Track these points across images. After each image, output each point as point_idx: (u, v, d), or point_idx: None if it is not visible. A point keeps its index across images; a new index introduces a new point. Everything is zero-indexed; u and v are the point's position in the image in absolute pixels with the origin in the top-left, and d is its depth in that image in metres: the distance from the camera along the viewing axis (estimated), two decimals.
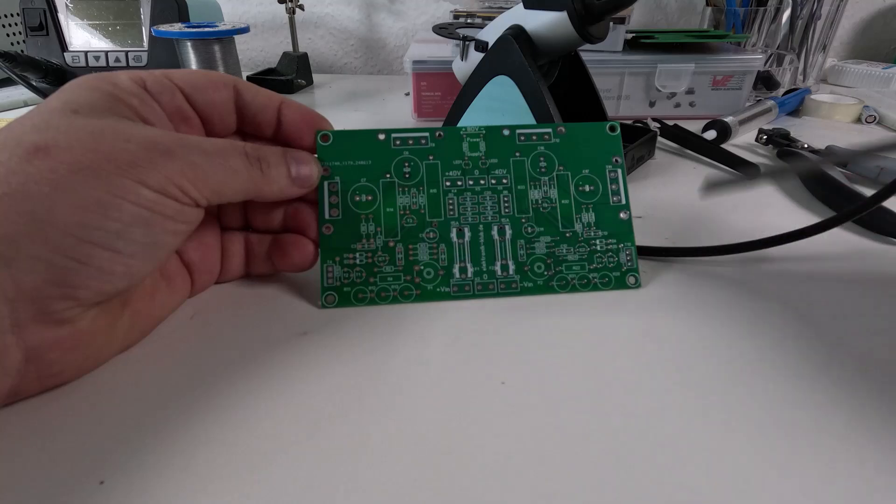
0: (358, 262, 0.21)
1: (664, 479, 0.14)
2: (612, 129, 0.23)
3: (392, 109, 0.53)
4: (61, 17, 0.51)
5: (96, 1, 0.51)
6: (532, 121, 0.35)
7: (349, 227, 0.21)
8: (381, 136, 0.22)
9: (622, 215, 0.22)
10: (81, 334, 0.16)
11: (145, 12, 0.51)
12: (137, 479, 0.14)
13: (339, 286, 0.21)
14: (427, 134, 0.23)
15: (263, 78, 0.60)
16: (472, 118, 0.39)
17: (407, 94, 0.56)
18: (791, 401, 0.17)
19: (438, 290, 0.21)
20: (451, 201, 0.22)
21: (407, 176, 0.22)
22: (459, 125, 0.40)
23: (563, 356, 0.19)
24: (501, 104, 0.36)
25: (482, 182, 0.22)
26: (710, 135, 0.41)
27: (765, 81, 0.53)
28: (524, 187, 0.22)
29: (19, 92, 0.53)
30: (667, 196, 0.32)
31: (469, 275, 0.21)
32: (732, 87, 0.48)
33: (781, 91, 0.52)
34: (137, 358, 0.18)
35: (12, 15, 0.58)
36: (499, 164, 0.22)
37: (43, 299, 0.15)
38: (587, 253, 0.22)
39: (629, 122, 0.40)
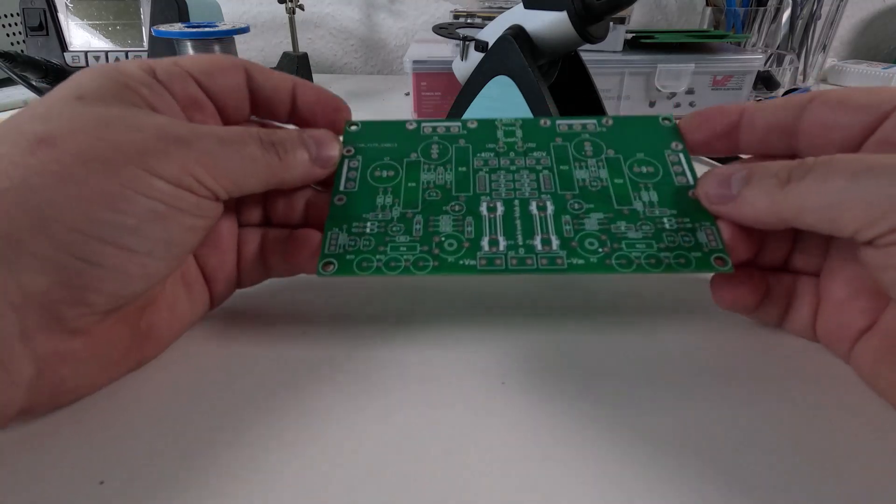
0: (368, 231, 0.18)
1: (667, 479, 0.14)
2: (667, 120, 0.21)
3: (392, 109, 0.53)
4: (61, 17, 0.51)
5: (96, 1, 0.51)
6: None
7: (364, 198, 0.19)
8: (411, 126, 0.21)
9: (692, 195, 0.19)
10: (97, 345, 0.15)
11: (145, 12, 0.51)
12: (137, 479, 0.14)
13: (341, 254, 0.18)
14: (459, 123, 0.21)
15: None
16: (473, 118, 0.39)
17: (407, 94, 0.56)
18: (797, 399, 0.17)
19: (461, 262, 0.17)
20: (482, 178, 0.19)
21: (434, 157, 0.20)
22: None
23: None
24: (501, 104, 0.36)
25: (518, 162, 0.20)
26: None
27: (765, 81, 0.53)
28: (568, 167, 0.20)
29: (19, 92, 0.53)
30: None
31: (501, 248, 0.17)
32: (732, 87, 0.48)
33: (781, 91, 0.52)
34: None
35: (12, 15, 0.58)
36: (537, 148, 0.20)
37: (52, 304, 0.13)
38: (653, 231, 0.18)
39: None
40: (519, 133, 0.21)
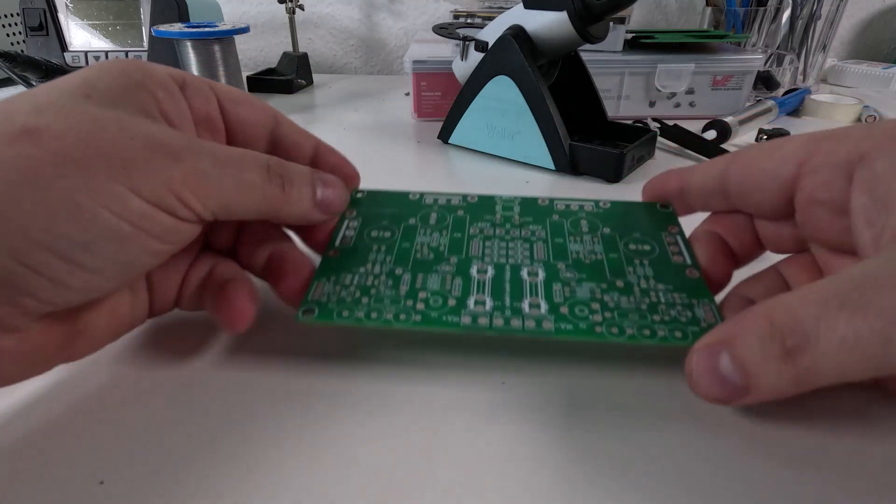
0: (355, 283, 0.18)
1: (668, 482, 0.14)
2: (664, 206, 0.21)
3: (392, 109, 0.53)
4: (61, 17, 0.51)
5: (96, 1, 0.51)
6: (532, 121, 0.35)
7: (357, 254, 0.19)
8: (414, 196, 0.22)
9: (690, 273, 0.18)
10: (30, 343, 0.14)
11: (145, 12, 0.51)
12: (137, 479, 0.14)
13: (324, 301, 0.17)
14: (460, 196, 0.22)
15: (263, 78, 0.60)
16: (473, 118, 0.39)
17: (407, 94, 0.56)
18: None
19: (444, 318, 0.16)
20: (476, 244, 0.20)
21: (432, 223, 0.21)
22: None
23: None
24: (501, 104, 0.36)
25: (513, 233, 0.20)
26: (710, 135, 0.41)
27: (765, 81, 0.53)
28: (562, 240, 0.20)
29: (19, 92, 0.53)
30: None
31: (487, 308, 0.17)
32: (732, 87, 0.48)
33: (781, 91, 0.52)
34: (136, 358, 0.18)
35: (12, 15, 0.58)
36: (534, 222, 0.21)
37: None
38: (648, 303, 0.17)
39: (629, 122, 0.40)
40: (517, 209, 0.21)
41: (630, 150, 0.34)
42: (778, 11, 0.54)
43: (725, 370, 0.13)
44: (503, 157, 0.38)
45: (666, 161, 0.38)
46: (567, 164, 0.35)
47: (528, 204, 0.22)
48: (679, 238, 0.20)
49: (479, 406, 0.16)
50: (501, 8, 0.53)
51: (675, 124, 0.41)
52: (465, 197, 0.22)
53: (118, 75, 0.16)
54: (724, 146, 0.39)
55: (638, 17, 0.72)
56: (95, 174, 0.13)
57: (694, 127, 0.41)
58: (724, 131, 0.41)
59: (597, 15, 0.32)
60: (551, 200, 0.22)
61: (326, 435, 0.15)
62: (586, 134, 0.38)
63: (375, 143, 0.43)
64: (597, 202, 0.22)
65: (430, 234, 0.20)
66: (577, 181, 0.35)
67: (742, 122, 0.42)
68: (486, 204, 0.22)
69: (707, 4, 0.59)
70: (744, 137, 0.42)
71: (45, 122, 0.13)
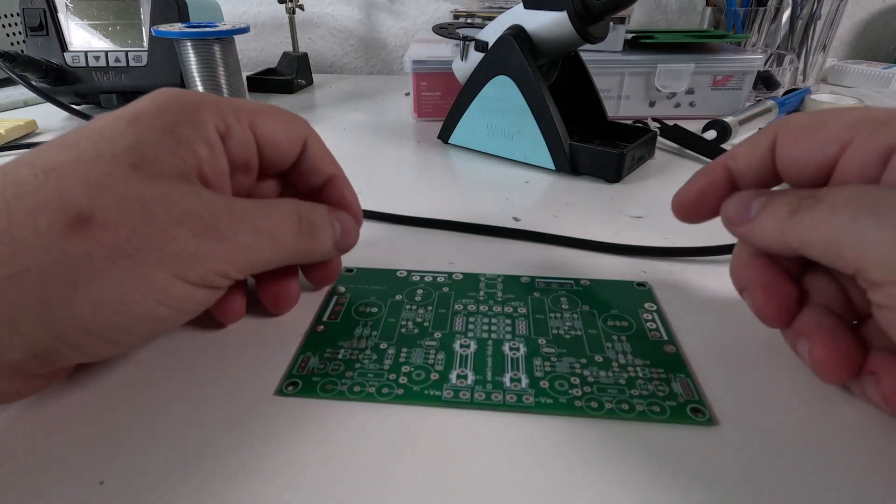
0: (340, 357, 0.19)
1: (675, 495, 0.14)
2: (641, 284, 0.22)
3: (392, 109, 0.53)
4: (61, 17, 0.51)
5: (96, 1, 0.51)
6: (532, 121, 0.35)
7: (343, 329, 0.20)
8: (401, 274, 0.23)
9: (667, 349, 0.19)
10: (31, 384, 0.15)
11: (145, 12, 0.51)
12: (137, 479, 0.14)
13: (307, 375, 0.18)
14: (445, 274, 0.23)
15: (263, 78, 0.60)
16: (472, 118, 0.39)
17: (407, 94, 0.56)
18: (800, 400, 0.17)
19: (427, 392, 0.17)
20: (459, 320, 0.20)
21: (418, 300, 0.22)
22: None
23: None
24: (501, 104, 0.36)
25: (496, 309, 0.21)
26: (710, 135, 0.41)
27: (765, 81, 0.53)
28: (543, 317, 0.20)
29: (19, 92, 0.53)
30: (667, 196, 0.32)
31: (469, 382, 0.17)
32: (732, 87, 0.48)
33: (781, 91, 0.52)
34: (136, 359, 0.18)
35: (12, 15, 0.58)
36: (516, 299, 0.22)
37: (19, 366, 0.14)
38: (626, 378, 0.17)
39: (629, 122, 0.40)
40: (500, 286, 0.22)
41: (630, 150, 0.34)
42: (778, 11, 0.54)
43: (755, 202, 0.16)
44: (503, 157, 0.39)
45: (666, 161, 0.38)
46: (567, 164, 0.35)
47: (511, 282, 0.23)
48: (656, 315, 0.21)
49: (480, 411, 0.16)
50: (501, 8, 0.53)
51: (675, 124, 0.41)
52: (450, 275, 0.23)
53: (164, 132, 0.16)
54: (724, 146, 0.39)
55: (638, 17, 0.71)
56: (145, 267, 0.14)
57: (694, 127, 0.41)
58: (724, 131, 0.41)
59: (597, 15, 0.32)
60: (532, 279, 0.23)
61: (331, 435, 0.15)
62: (586, 134, 0.38)
63: (375, 143, 0.43)
64: (577, 280, 0.23)
65: (415, 310, 0.21)
66: (577, 181, 0.35)
67: (742, 122, 0.42)
68: (470, 281, 0.23)
69: (707, 4, 0.59)
70: (744, 137, 0.42)
71: (99, 208, 0.14)
